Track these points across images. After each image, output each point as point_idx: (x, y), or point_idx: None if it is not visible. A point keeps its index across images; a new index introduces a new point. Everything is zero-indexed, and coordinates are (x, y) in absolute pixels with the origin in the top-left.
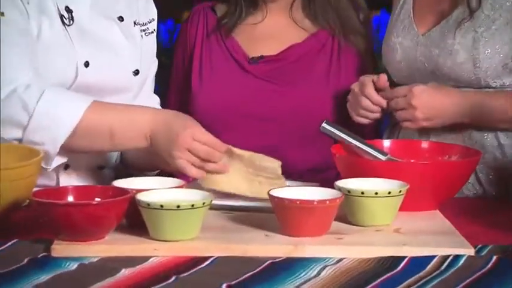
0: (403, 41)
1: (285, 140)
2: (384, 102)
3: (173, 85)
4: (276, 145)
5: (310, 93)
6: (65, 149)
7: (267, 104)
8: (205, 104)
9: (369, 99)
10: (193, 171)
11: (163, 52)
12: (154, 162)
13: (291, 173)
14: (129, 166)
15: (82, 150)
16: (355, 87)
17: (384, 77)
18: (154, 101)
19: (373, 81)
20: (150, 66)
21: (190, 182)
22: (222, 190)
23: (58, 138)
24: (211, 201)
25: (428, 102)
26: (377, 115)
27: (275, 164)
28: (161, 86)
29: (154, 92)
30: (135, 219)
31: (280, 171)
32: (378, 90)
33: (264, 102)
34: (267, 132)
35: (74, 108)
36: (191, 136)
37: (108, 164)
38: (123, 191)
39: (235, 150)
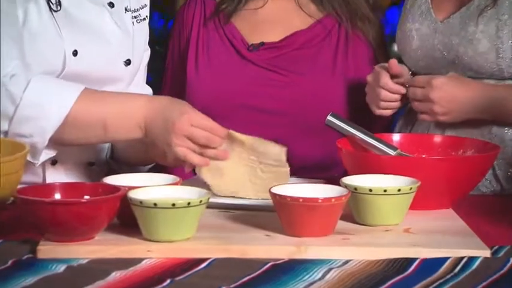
0: (420, 27)
1: (286, 134)
2: (402, 89)
3: (168, 75)
4: (276, 139)
5: (314, 83)
6: (53, 142)
7: (267, 95)
8: (201, 94)
9: (385, 90)
10: (195, 159)
11: (157, 40)
12: (148, 154)
13: (293, 170)
14: (121, 161)
15: (72, 143)
16: (370, 78)
17: (394, 62)
18: (147, 93)
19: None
20: (143, 55)
21: (187, 179)
22: (220, 193)
23: (47, 130)
24: (209, 199)
25: (447, 97)
26: (398, 104)
27: (279, 150)
28: (155, 77)
29: (147, 83)
30: (127, 218)
31: (284, 158)
32: (393, 77)
33: (264, 92)
34: (267, 125)
35: (64, 97)
36: (189, 122)
37: (99, 160)
38: (114, 188)
39: (236, 135)
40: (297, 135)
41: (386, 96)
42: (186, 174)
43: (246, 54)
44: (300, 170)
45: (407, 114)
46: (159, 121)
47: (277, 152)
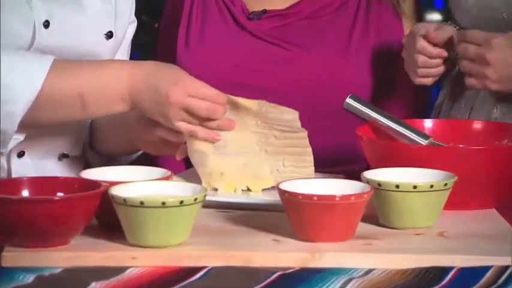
0: None
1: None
2: (443, 53)
3: (160, 51)
4: None
5: (326, 59)
6: (24, 125)
7: (269, 72)
8: (192, 71)
9: (423, 55)
10: (202, 133)
11: (145, 10)
12: (133, 142)
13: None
14: (102, 150)
15: (46, 124)
16: (405, 41)
17: (434, 34)
18: None
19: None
20: (127, 27)
21: (179, 173)
22: (226, 176)
23: (15, 114)
24: (205, 196)
25: (507, 61)
26: (440, 69)
27: (292, 116)
28: (142, 53)
29: (134, 60)
30: (108, 219)
31: (299, 124)
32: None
33: (265, 69)
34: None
35: (31, 73)
36: (185, 92)
37: (74, 150)
38: (92, 184)
39: (238, 101)
40: (306, 121)
41: (426, 62)
42: (178, 167)
43: (245, 24)
44: (314, 163)
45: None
46: (147, 91)
47: (290, 118)
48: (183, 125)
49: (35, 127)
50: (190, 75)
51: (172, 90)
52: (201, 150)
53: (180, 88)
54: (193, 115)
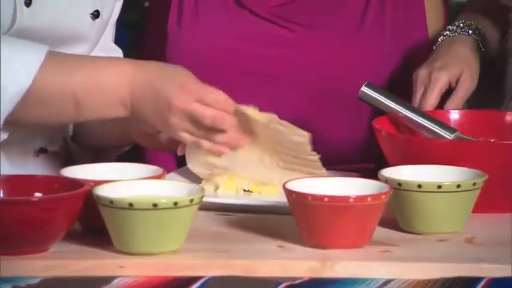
0: None
1: (300, 111)
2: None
3: (149, 31)
4: (287, 119)
5: (335, 42)
6: (8, 123)
7: (270, 56)
8: (183, 57)
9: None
10: (208, 146)
11: None
12: (126, 133)
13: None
14: (87, 142)
15: (33, 123)
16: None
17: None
18: (116, 55)
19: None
20: (113, 5)
21: (173, 171)
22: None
23: (1, 110)
24: (202, 197)
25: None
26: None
27: (302, 138)
28: (130, 35)
29: (121, 42)
30: (93, 223)
31: (309, 148)
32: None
33: (266, 52)
34: (274, 98)
35: (23, 64)
36: (189, 97)
37: (53, 144)
38: (75, 183)
39: (248, 112)
40: (314, 112)
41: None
42: (168, 164)
43: (244, 0)
44: (323, 160)
45: None
46: (150, 97)
47: (300, 141)
48: (186, 136)
49: (20, 126)
50: (197, 79)
51: (176, 95)
52: (205, 160)
53: (185, 92)
54: (198, 125)
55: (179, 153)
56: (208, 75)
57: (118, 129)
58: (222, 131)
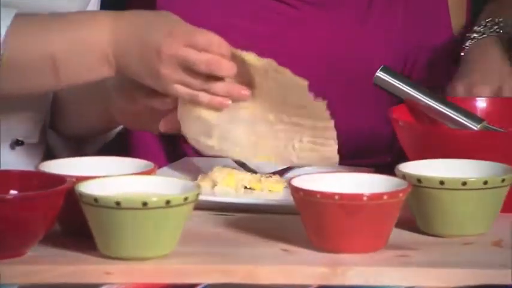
0: None
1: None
2: None
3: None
4: None
5: (344, 22)
6: None
7: (272, 36)
8: None
9: None
10: (206, 98)
11: None
12: (109, 114)
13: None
14: (68, 131)
15: (6, 95)
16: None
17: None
18: None
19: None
20: None
21: (165, 166)
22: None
23: None
24: (198, 195)
25: None
26: None
27: (304, 83)
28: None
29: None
30: (75, 224)
31: (309, 96)
32: None
33: (268, 32)
34: None
35: None
36: (179, 41)
37: (31, 137)
38: (55, 179)
39: (244, 56)
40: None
41: None
42: (157, 158)
43: None
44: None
45: None
46: (135, 47)
47: (299, 89)
48: (181, 89)
49: (2, 98)
50: (186, 23)
51: (164, 41)
52: (203, 118)
53: (174, 38)
54: (193, 75)
55: (162, 130)
56: None
57: (98, 108)
58: (220, 80)
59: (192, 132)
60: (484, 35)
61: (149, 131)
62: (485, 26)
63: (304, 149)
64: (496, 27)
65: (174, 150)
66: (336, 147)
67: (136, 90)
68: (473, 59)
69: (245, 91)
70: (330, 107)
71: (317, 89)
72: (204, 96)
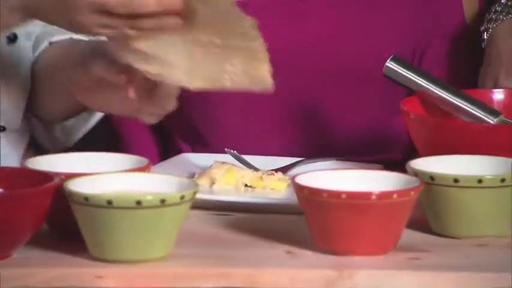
0: None
1: (310, 90)
2: None
3: None
4: (294, 98)
5: (355, 12)
6: None
7: (274, 28)
8: None
9: None
10: (133, 31)
11: None
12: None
13: (327, 150)
14: (42, 114)
15: None
16: None
17: None
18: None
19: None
20: None
21: (160, 162)
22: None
23: None
24: (195, 193)
25: None
26: None
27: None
28: None
29: None
30: (65, 224)
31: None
32: None
33: (269, 24)
34: (280, 74)
35: None
36: None
37: (12, 123)
38: (42, 176)
39: None
40: (328, 93)
41: None
42: (153, 154)
43: None
44: (339, 149)
45: None
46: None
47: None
48: (105, 32)
49: None
50: None
51: None
52: (137, 49)
53: None
54: (114, 15)
55: (130, 95)
56: None
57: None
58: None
59: (131, 60)
60: (499, 22)
61: (109, 111)
62: (497, 11)
63: (237, 73)
64: (509, 8)
65: (167, 146)
66: (269, 69)
67: (91, 61)
68: (495, 51)
69: (175, 20)
70: (338, 101)
71: (323, 83)
72: (132, 32)
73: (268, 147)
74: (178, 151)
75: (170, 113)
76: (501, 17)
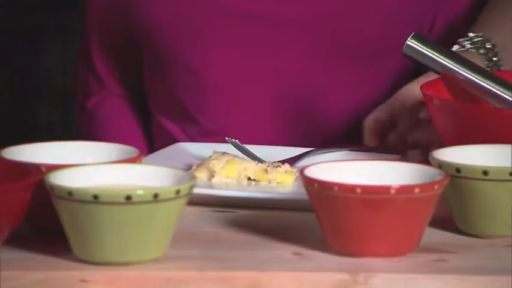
0: None
1: (309, 69)
2: None
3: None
4: (291, 77)
5: None
6: None
7: (275, 9)
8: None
9: None
10: None
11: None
12: None
13: (337, 138)
14: None
15: None
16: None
17: None
18: None
19: None
20: None
21: (156, 151)
22: None
23: None
24: (192, 187)
25: None
26: None
27: None
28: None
29: None
30: (46, 222)
31: None
32: None
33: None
34: (275, 47)
35: None
36: None
37: None
38: (21, 169)
39: None
40: (334, 69)
41: None
42: (140, 142)
43: None
44: (350, 137)
45: None
46: None
47: None
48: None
49: None
50: None
51: None
52: None
53: None
54: None
55: None
56: (202, 15)
57: None
58: None
59: None
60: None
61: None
62: (471, 39)
63: None
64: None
65: (155, 135)
66: None
67: None
68: None
69: None
70: (335, 82)
71: (321, 63)
72: None
73: (262, 132)
74: (172, 140)
75: (157, 94)
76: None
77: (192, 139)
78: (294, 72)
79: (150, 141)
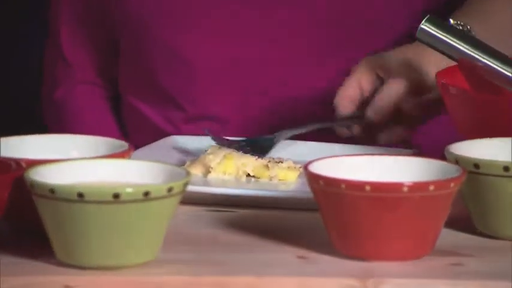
0: None
1: (310, 45)
2: None
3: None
4: (288, 59)
5: None
6: None
7: None
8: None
9: None
10: None
11: None
12: None
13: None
14: None
15: None
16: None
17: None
18: None
19: None
20: None
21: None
22: None
23: None
24: (186, 184)
25: None
26: None
27: None
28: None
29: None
30: (26, 222)
31: None
32: None
33: None
34: (268, 30)
35: None
36: None
37: None
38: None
39: None
40: (330, 48)
41: None
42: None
43: None
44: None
45: None
46: None
47: None
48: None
49: None
50: None
51: None
52: None
53: None
54: None
55: None
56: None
57: None
58: None
59: None
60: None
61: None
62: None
63: None
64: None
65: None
66: None
67: None
68: None
69: None
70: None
71: (317, 37)
72: None
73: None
74: (163, 133)
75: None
76: None
77: (174, 125)
78: (284, 55)
79: (124, 131)
